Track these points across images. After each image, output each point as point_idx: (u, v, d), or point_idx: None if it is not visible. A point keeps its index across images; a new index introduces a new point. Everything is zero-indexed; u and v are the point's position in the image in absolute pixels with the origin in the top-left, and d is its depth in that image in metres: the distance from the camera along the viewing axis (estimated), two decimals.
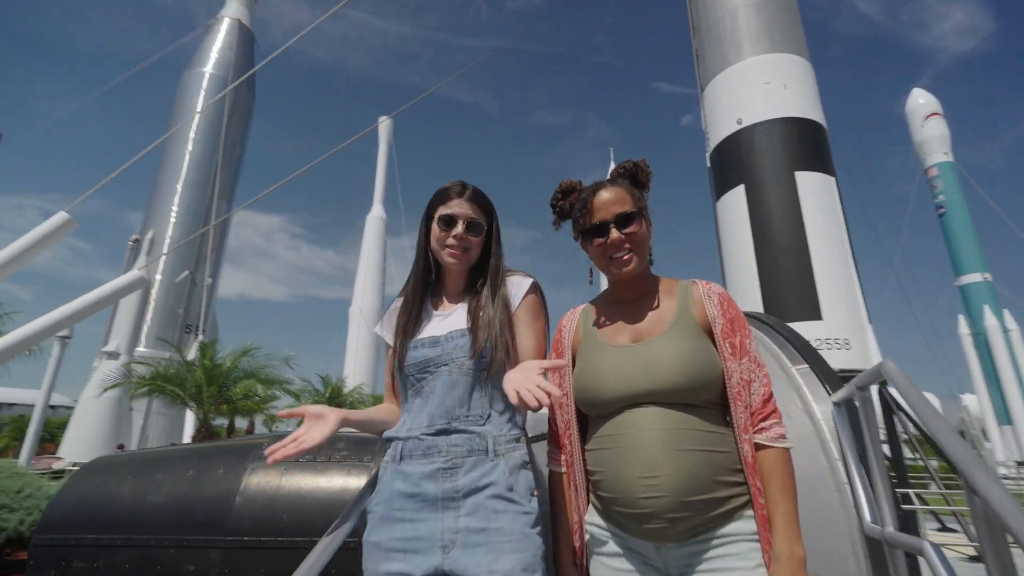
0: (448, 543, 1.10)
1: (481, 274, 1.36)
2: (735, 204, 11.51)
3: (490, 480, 1.14)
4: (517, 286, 1.34)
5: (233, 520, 2.08)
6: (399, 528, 1.14)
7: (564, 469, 1.23)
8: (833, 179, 11.07)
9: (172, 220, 19.20)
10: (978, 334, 32.19)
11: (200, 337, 17.41)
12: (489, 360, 1.23)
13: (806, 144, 11.22)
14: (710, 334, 1.15)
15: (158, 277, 18.67)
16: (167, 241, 18.72)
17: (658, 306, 1.22)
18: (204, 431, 9.58)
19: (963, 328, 33.96)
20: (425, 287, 1.37)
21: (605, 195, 1.23)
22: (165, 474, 2.28)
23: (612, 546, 1.10)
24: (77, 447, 14.37)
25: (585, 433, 1.23)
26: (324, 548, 1.02)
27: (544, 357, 1.34)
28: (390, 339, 1.34)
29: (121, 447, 14.65)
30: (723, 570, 0.99)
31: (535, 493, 1.18)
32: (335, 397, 18.80)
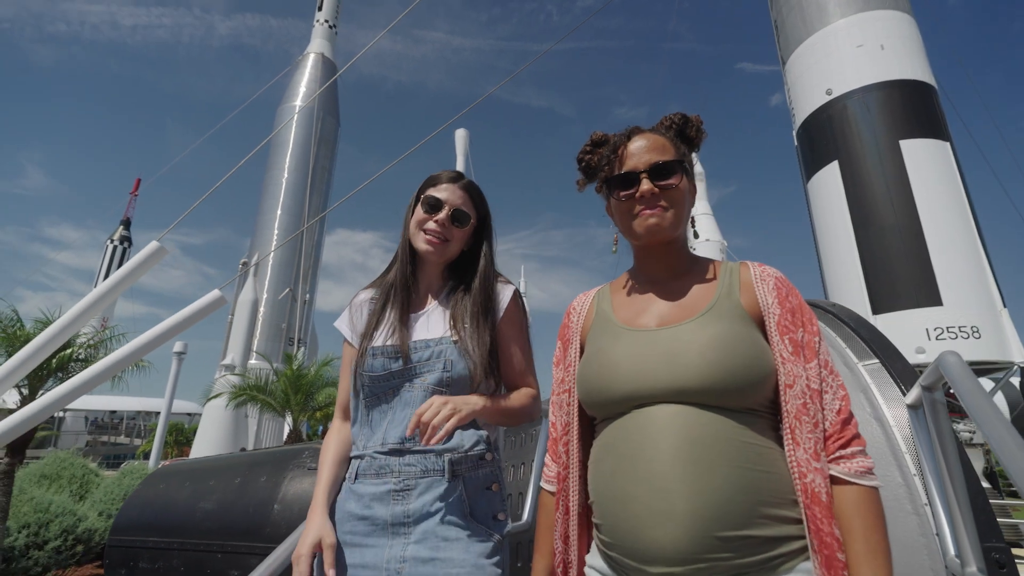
0: (394, 572, 1.00)
1: (462, 274, 1.24)
2: (829, 183, 10.46)
3: (444, 504, 1.03)
4: (500, 293, 1.21)
5: (271, 527, 2.14)
6: (347, 552, 1.06)
7: (553, 488, 1.00)
8: (948, 144, 9.71)
9: (274, 243, 21.01)
10: None
11: (301, 349, 18.80)
12: (467, 377, 1.10)
13: (912, 109, 9.95)
14: (761, 326, 0.88)
15: (264, 295, 20.49)
16: (270, 262, 20.50)
17: (692, 284, 0.95)
18: (293, 436, 10.29)
19: None
20: (405, 282, 1.22)
21: (640, 141, 0.98)
22: (217, 481, 2.41)
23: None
24: (204, 450, 16.06)
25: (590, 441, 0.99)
26: (275, 559, 0.97)
27: (531, 370, 1.22)
28: (351, 336, 1.22)
29: (243, 449, 16.22)
30: None
31: (499, 517, 1.06)
32: None
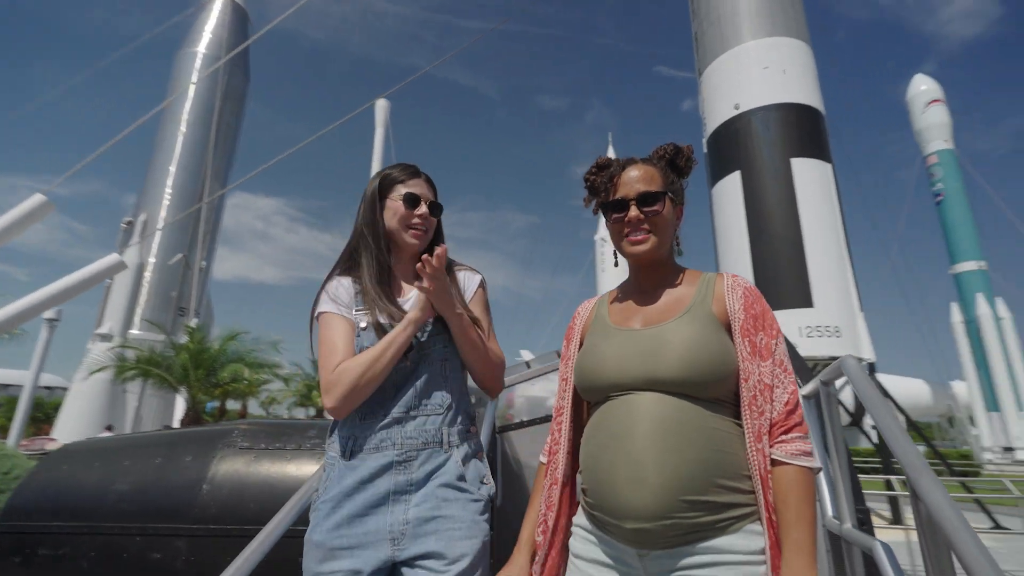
0: (398, 535, 1.08)
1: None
2: (731, 190, 11.43)
3: (442, 471, 1.14)
4: (469, 280, 1.34)
5: (199, 508, 2.06)
6: (346, 525, 1.10)
7: (545, 459, 1.15)
8: (830, 166, 10.98)
9: (165, 202, 19.02)
10: (970, 322, 32.26)
11: (195, 320, 17.36)
12: (454, 351, 1.22)
13: (803, 130, 11.10)
14: (729, 329, 1.03)
15: (151, 260, 18.55)
16: (160, 223, 18.55)
17: (674, 293, 1.11)
18: (192, 414, 9.57)
19: (956, 316, 34.00)
20: (387, 272, 1.28)
21: (633, 172, 1.12)
22: (133, 462, 2.26)
23: (593, 552, 0.99)
24: (71, 429, 14.40)
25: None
26: (263, 540, 0.99)
27: (497, 344, 1.33)
28: (343, 312, 1.24)
29: (109, 428, 14.62)
30: None
31: (484, 481, 1.18)
32: None
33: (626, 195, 1.10)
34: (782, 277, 10.22)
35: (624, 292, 1.19)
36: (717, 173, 12.26)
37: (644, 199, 1.09)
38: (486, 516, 1.14)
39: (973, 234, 33.75)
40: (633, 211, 1.08)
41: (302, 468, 2.16)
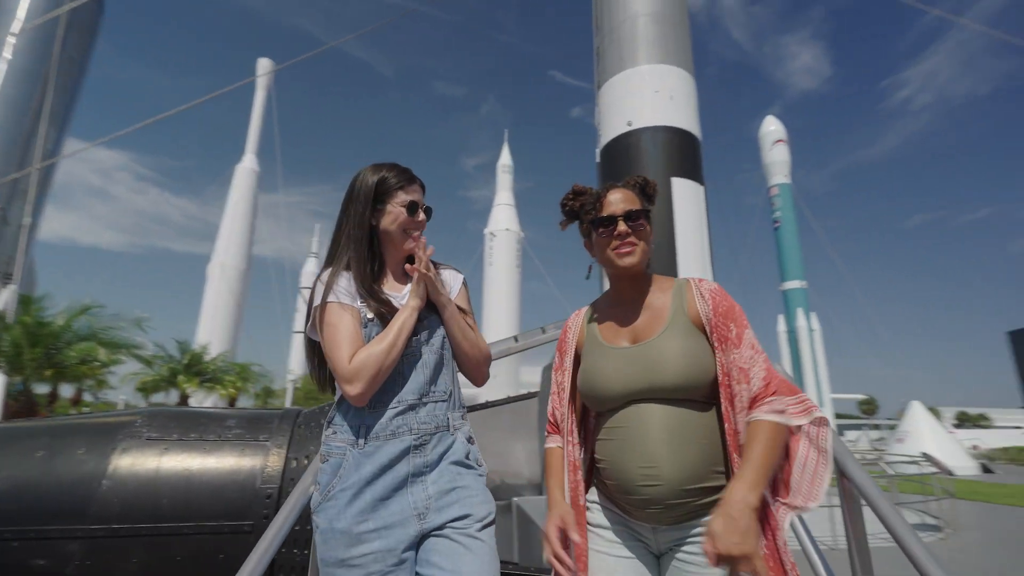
0: (423, 510, 1.16)
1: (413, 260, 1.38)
2: None
3: (451, 451, 1.23)
4: (453, 279, 1.43)
5: (99, 506, 1.84)
6: (371, 510, 1.14)
7: (557, 445, 1.32)
8: (703, 188, 12.33)
9: None
10: (791, 332, 38.26)
11: (11, 286, 14.52)
12: (450, 340, 1.32)
13: (684, 153, 12.29)
14: (704, 330, 1.20)
15: None
16: None
17: (654, 305, 1.27)
18: (25, 400, 7.97)
19: (781, 326, 40.07)
20: (376, 268, 1.33)
21: (617, 194, 1.30)
22: (2, 457, 1.94)
23: (609, 523, 1.20)
24: None
25: (584, 423, 1.34)
26: (276, 532, 0.96)
27: (482, 337, 1.42)
28: (351, 300, 1.26)
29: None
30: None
31: (480, 462, 1.29)
32: (194, 365, 16.62)
33: (614, 212, 1.27)
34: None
35: (607, 307, 1.35)
36: (607, 183, 13.11)
37: (630, 215, 1.26)
38: (490, 494, 1.25)
39: (799, 257, 39.92)
40: (621, 226, 1.25)
41: (224, 460, 2.01)
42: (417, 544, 1.15)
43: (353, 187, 1.34)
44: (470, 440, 1.31)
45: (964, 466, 20.95)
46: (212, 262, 30.04)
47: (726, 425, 1.12)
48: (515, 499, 2.52)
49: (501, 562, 1.23)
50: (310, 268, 45.79)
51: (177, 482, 1.93)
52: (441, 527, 1.15)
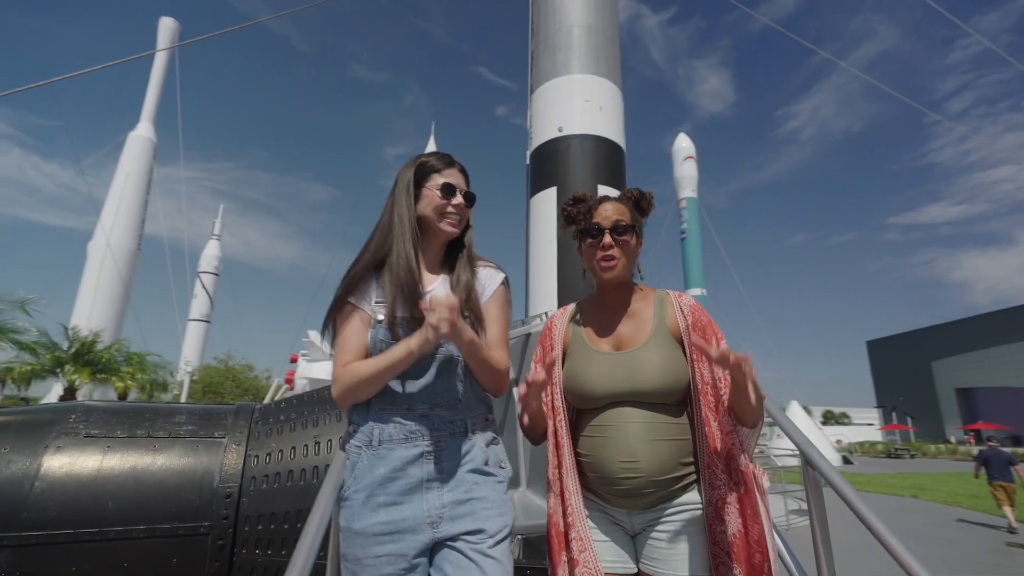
0: (436, 519, 1.14)
1: (453, 251, 1.36)
2: (547, 203, 12.64)
3: (469, 457, 1.21)
4: (492, 277, 1.36)
5: (31, 511, 1.66)
6: (383, 513, 1.13)
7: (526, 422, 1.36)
8: None
9: None
10: None
11: None
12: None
13: (610, 162, 12.87)
14: (681, 342, 1.32)
15: None
16: None
17: (637, 315, 1.38)
18: None
19: None
20: (415, 260, 1.25)
21: (608, 206, 1.38)
22: None
23: (588, 509, 1.30)
24: None
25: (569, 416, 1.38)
26: (313, 539, 0.94)
27: (507, 348, 1.36)
28: (366, 303, 1.24)
29: None
30: (674, 530, 1.23)
31: (503, 465, 1.28)
32: (84, 354, 14.60)
33: (601, 224, 1.36)
34: (579, 285, 11.72)
35: (592, 311, 1.45)
36: (536, 186, 13.42)
37: (617, 229, 1.35)
38: (508, 496, 1.25)
39: (701, 266, 43.11)
40: (607, 237, 1.35)
41: (175, 459, 1.88)
42: (429, 550, 1.15)
43: (395, 179, 1.32)
44: (494, 441, 1.29)
45: (831, 458, 23.83)
46: (95, 239, 26.78)
47: (706, 428, 1.25)
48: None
49: None
50: (211, 251, 42.27)
51: (124, 482, 1.78)
52: (454, 538, 1.13)
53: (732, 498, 1.20)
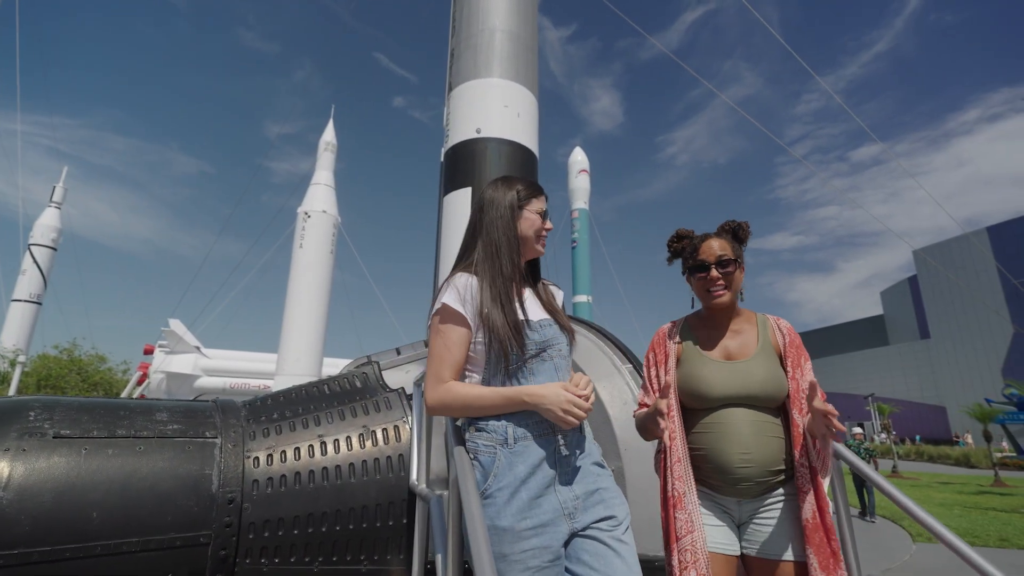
0: (572, 510, 1.21)
1: (532, 270, 1.50)
2: (460, 203, 12.64)
3: (588, 450, 1.31)
4: (557, 294, 1.53)
5: None
6: (528, 509, 1.16)
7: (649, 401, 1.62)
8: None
9: None
10: None
11: None
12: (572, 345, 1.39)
13: (525, 168, 13.21)
14: (780, 357, 1.57)
15: None
16: None
17: (742, 332, 1.61)
18: None
19: None
20: (516, 273, 1.36)
21: (713, 243, 1.62)
22: None
23: (701, 497, 1.49)
24: None
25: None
26: (481, 535, 0.92)
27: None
28: (472, 316, 1.29)
29: None
30: (774, 516, 1.44)
31: (605, 458, 1.41)
32: None
33: (708, 259, 1.60)
34: None
35: (701, 327, 1.68)
36: (450, 185, 13.39)
37: (722, 263, 1.59)
38: None
39: (588, 274, 45.65)
40: (714, 272, 1.58)
41: (168, 462, 1.68)
42: (566, 542, 1.21)
43: (490, 195, 1.41)
44: (593, 438, 1.39)
45: None
46: None
47: (795, 430, 1.49)
48: None
49: None
50: (48, 221, 35.99)
51: (109, 489, 1.56)
52: (587, 528, 1.21)
53: (809, 490, 1.42)
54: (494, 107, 14.90)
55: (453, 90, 15.21)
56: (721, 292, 1.60)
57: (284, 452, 1.86)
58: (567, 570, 1.20)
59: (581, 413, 1.18)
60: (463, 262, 1.38)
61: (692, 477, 1.50)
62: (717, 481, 1.49)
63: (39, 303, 35.90)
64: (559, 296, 1.52)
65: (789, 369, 1.55)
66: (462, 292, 1.30)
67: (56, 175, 38.03)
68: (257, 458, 1.82)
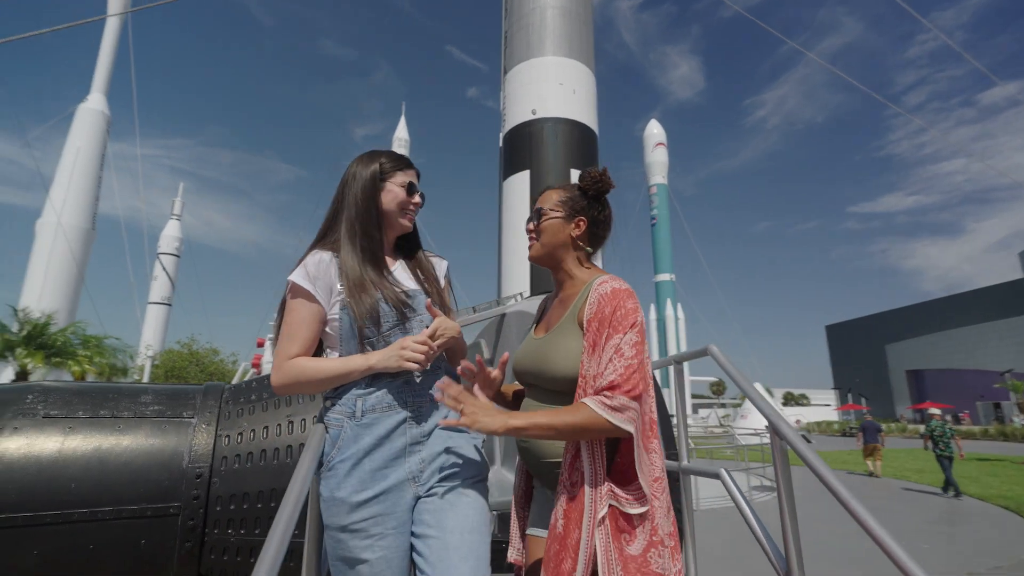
0: (417, 473, 1.19)
1: (407, 241, 1.44)
2: (519, 186, 12.62)
3: (447, 416, 1.25)
4: (439, 265, 1.47)
5: None
6: (370, 479, 1.15)
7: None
8: None
9: None
10: (660, 320, 42.04)
11: None
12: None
13: (583, 146, 12.90)
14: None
15: None
16: None
17: (564, 301, 1.32)
18: None
19: (652, 315, 43.75)
20: (378, 248, 1.32)
21: (544, 193, 1.40)
22: None
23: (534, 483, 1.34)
24: None
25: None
26: (292, 509, 0.93)
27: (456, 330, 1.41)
28: (324, 294, 1.26)
29: None
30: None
31: None
32: (36, 337, 13.84)
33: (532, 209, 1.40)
34: (549, 273, 11.79)
35: (548, 297, 1.48)
36: (509, 169, 13.37)
37: (535, 214, 1.38)
38: (482, 452, 1.31)
39: (670, 252, 43.83)
40: (529, 224, 1.39)
41: (145, 439, 1.83)
42: (413, 507, 1.19)
43: (352, 170, 1.36)
44: None
45: None
46: (43, 218, 25.38)
47: None
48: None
49: None
50: (171, 232, 40.76)
51: (88, 464, 1.73)
52: (431, 488, 1.19)
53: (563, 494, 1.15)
54: (549, 86, 14.56)
55: (508, 73, 15.07)
56: (530, 244, 1.38)
57: (254, 431, 1.97)
58: (412, 533, 1.16)
59: (418, 355, 1.16)
60: (324, 239, 1.34)
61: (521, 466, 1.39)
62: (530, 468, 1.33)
63: (169, 304, 41.01)
64: (440, 267, 1.46)
65: (586, 348, 1.19)
66: (312, 270, 1.27)
67: (176, 191, 42.99)
68: (228, 436, 1.93)
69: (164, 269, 40.10)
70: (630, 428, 1.09)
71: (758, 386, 26.46)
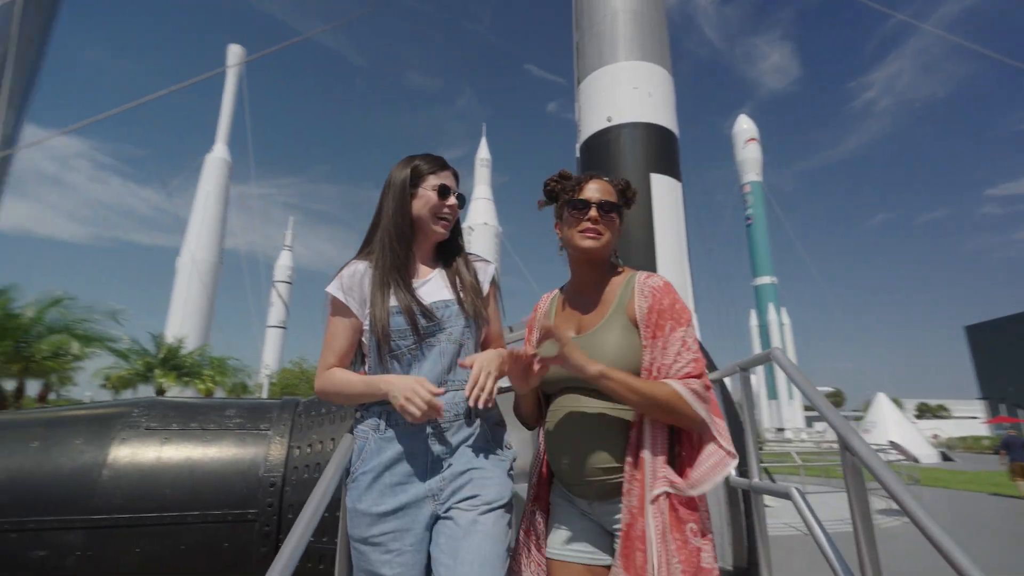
0: (437, 491, 1.16)
1: (446, 248, 1.39)
2: None
3: (473, 437, 1.22)
4: (484, 271, 1.40)
5: (100, 496, 1.81)
6: (390, 492, 1.16)
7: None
8: (680, 184, 12.54)
9: None
10: (763, 326, 39.20)
11: None
12: (475, 329, 1.30)
13: (662, 150, 12.46)
14: (638, 325, 1.21)
15: None
16: None
17: (603, 298, 1.30)
18: None
19: (753, 320, 40.94)
20: (405, 254, 1.31)
21: (597, 183, 1.32)
22: None
23: (559, 497, 1.29)
24: None
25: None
26: (311, 515, 0.97)
27: (503, 338, 1.43)
28: (358, 304, 1.29)
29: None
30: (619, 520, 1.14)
31: (508, 445, 1.29)
32: (170, 359, 16.17)
33: (589, 198, 1.30)
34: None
35: (570, 293, 1.40)
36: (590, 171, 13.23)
37: (603, 205, 1.30)
38: (511, 474, 1.25)
39: (769, 253, 40.88)
40: (593, 211, 1.28)
41: (226, 450, 2.01)
42: (432, 525, 1.17)
43: (388, 179, 1.34)
44: (499, 424, 1.31)
45: (925, 454, 21.86)
46: (182, 255, 29.19)
47: (638, 422, 1.17)
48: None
49: None
50: (284, 262, 44.98)
51: (180, 471, 1.92)
52: (450, 508, 1.15)
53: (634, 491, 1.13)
54: (623, 92, 14.31)
55: (581, 83, 15.03)
56: (594, 234, 1.28)
57: (322, 442, 2.08)
58: (430, 553, 1.14)
59: (415, 411, 1.09)
60: (364, 249, 1.35)
61: (541, 473, 1.32)
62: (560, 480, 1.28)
63: (284, 327, 45.16)
64: (485, 272, 1.39)
65: (646, 339, 1.18)
66: (346, 281, 1.29)
67: (286, 224, 47.52)
68: (299, 447, 2.06)
69: (280, 296, 44.23)
70: (706, 416, 1.13)
71: (881, 397, 23.66)
